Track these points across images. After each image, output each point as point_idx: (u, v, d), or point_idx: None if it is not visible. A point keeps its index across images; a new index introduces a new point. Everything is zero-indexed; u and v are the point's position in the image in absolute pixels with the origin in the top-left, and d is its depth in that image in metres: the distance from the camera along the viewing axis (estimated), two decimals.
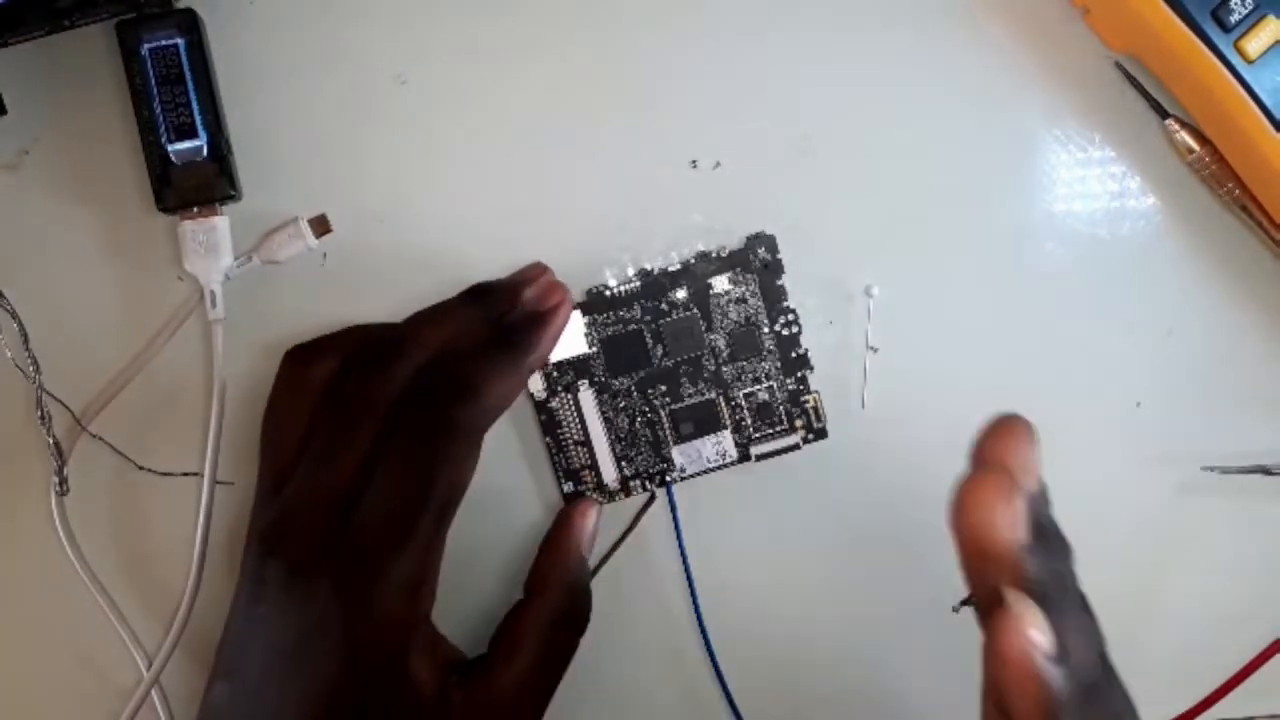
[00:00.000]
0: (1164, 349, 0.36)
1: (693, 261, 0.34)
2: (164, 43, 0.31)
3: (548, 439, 0.34)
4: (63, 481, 0.32)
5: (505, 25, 0.34)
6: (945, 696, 0.36)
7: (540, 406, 0.34)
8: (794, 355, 0.34)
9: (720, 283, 0.34)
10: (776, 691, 0.35)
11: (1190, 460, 0.36)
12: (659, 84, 0.34)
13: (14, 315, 0.31)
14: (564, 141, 0.34)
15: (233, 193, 0.32)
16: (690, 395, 0.34)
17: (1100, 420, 0.36)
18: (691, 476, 0.34)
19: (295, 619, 0.28)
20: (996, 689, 0.24)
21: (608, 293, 0.34)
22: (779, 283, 0.34)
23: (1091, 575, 0.36)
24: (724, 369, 0.34)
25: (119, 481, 0.33)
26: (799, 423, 0.34)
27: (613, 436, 0.34)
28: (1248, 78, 0.32)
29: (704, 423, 0.34)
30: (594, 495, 0.34)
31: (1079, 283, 0.36)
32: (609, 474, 0.34)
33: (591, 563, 0.34)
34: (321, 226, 0.33)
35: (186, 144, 0.31)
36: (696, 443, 0.34)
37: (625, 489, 0.34)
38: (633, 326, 0.34)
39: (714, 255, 0.34)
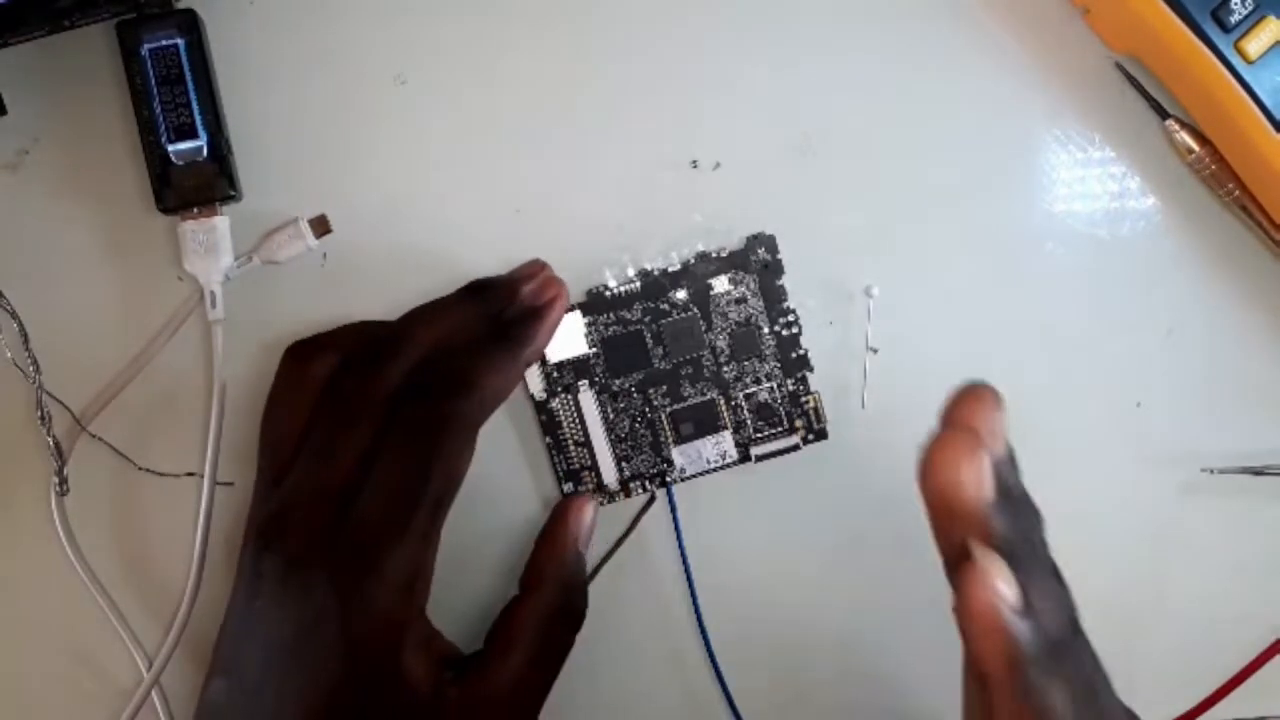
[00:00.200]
0: (1164, 349, 0.36)
1: (693, 262, 0.34)
2: (164, 43, 0.31)
3: (548, 439, 0.34)
4: (63, 481, 0.32)
5: (504, 25, 0.34)
6: (945, 696, 0.36)
7: (540, 407, 0.34)
8: (794, 356, 0.34)
9: (720, 283, 0.34)
10: (776, 692, 0.35)
11: (1190, 460, 0.36)
12: (659, 84, 0.34)
13: (14, 315, 0.31)
14: (564, 141, 0.34)
15: (233, 193, 0.32)
16: (690, 396, 0.34)
17: (1100, 420, 0.36)
18: (691, 477, 0.34)
19: (292, 613, 0.28)
20: (966, 648, 0.25)
21: (608, 293, 0.34)
22: (779, 283, 0.34)
23: (1092, 575, 0.36)
24: (724, 369, 0.34)
25: (119, 481, 0.33)
26: (799, 423, 0.34)
27: (613, 437, 0.34)
28: (1248, 78, 0.32)
29: (704, 423, 0.34)
30: (593, 495, 0.34)
31: (1079, 283, 0.36)
32: (609, 475, 0.34)
33: (591, 563, 0.34)
34: (321, 226, 0.33)
35: (186, 144, 0.31)
36: (696, 443, 0.34)
37: (625, 490, 0.34)
38: (633, 327, 0.34)
39: (714, 255, 0.34)
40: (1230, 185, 0.34)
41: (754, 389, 0.34)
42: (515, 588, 0.33)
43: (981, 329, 0.35)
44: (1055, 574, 0.26)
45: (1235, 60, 0.32)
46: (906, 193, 0.35)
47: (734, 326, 0.34)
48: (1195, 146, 0.34)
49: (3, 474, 0.33)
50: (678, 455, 0.34)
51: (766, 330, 0.34)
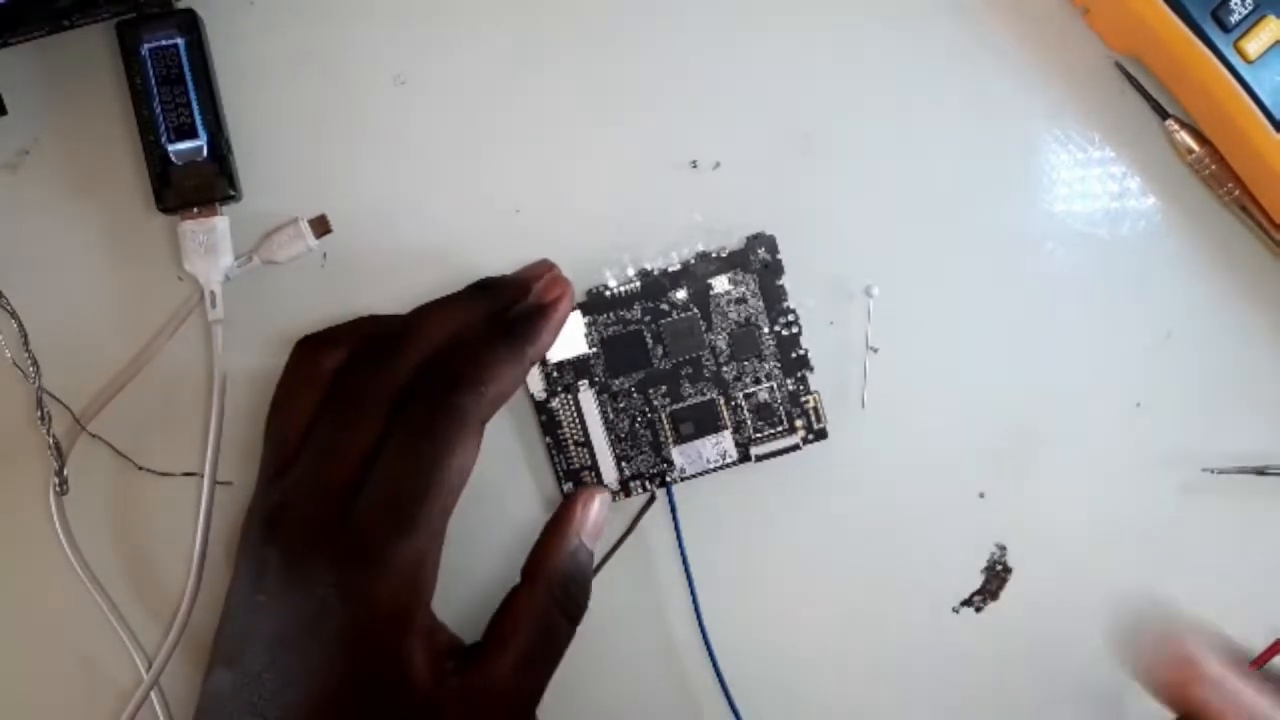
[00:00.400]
0: (1164, 349, 0.36)
1: (693, 262, 0.34)
2: (164, 43, 0.31)
3: (548, 439, 0.34)
4: (62, 481, 0.32)
5: (504, 25, 0.34)
6: (945, 696, 0.36)
7: (540, 407, 0.34)
8: (794, 355, 0.34)
9: (720, 283, 0.34)
10: (776, 691, 0.35)
11: (1190, 461, 0.36)
12: (659, 84, 0.34)
13: (14, 315, 0.31)
14: (564, 141, 0.34)
15: (233, 193, 0.32)
16: (690, 396, 0.34)
17: (1100, 421, 0.36)
18: (692, 477, 0.34)
19: (295, 604, 0.28)
20: None
21: (608, 293, 0.34)
22: (779, 283, 0.34)
23: (1092, 576, 0.36)
24: (724, 369, 0.34)
25: (118, 481, 0.33)
26: (799, 423, 0.34)
27: (613, 437, 0.34)
28: (1248, 78, 0.32)
29: (704, 423, 0.34)
30: (604, 488, 0.34)
31: (1079, 283, 0.36)
32: (609, 474, 0.34)
33: (596, 557, 0.34)
34: (321, 226, 0.33)
35: (186, 144, 0.31)
36: (696, 443, 0.34)
37: (625, 489, 0.34)
38: (633, 327, 0.34)
39: (714, 255, 0.34)
40: (1230, 185, 0.34)
41: (754, 389, 0.34)
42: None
43: (981, 328, 0.35)
44: None
45: (1235, 60, 0.32)
46: (906, 193, 0.35)
47: (734, 326, 0.34)
48: (1195, 146, 0.34)
49: (3, 474, 0.33)
50: (678, 455, 0.34)
51: (766, 330, 0.34)
